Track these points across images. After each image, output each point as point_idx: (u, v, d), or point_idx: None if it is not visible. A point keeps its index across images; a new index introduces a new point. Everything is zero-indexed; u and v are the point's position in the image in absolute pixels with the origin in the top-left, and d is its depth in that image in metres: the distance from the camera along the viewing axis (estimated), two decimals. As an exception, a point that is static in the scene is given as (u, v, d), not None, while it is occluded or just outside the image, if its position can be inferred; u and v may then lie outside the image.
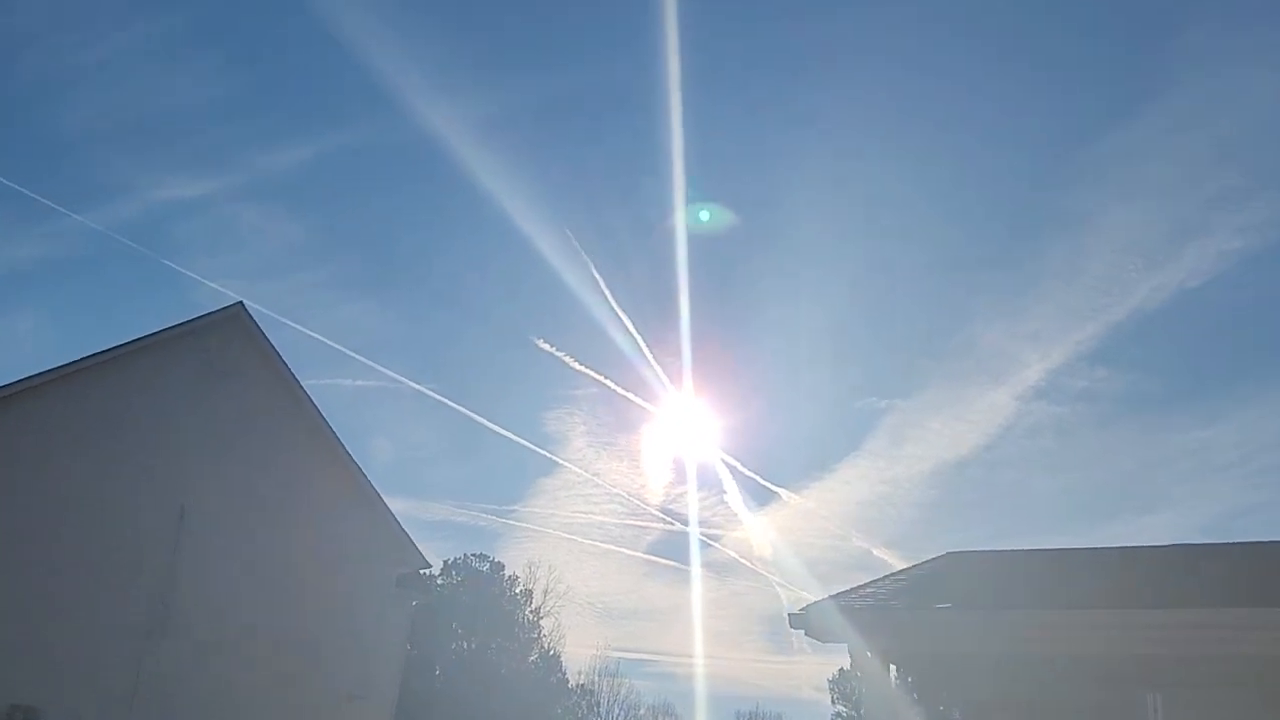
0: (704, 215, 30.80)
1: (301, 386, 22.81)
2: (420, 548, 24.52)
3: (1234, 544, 11.23)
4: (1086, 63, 31.78)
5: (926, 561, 11.64)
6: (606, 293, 33.26)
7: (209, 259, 37.60)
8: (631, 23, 33.67)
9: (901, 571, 11.15)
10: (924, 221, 35.69)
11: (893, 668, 9.46)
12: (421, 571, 26.38)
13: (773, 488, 38.99)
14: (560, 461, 43.49)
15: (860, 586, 10.33)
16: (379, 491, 23.61)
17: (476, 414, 38.37)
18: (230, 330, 22.13)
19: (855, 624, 9.26)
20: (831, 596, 9.95)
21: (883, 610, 9.33)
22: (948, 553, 11.97)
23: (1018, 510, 42.01)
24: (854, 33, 31.72)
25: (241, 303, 22.28)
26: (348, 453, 23.31)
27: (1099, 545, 13.56)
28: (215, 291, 29.69)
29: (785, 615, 9.37)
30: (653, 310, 37.94)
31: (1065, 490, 41.00)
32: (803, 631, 9.36)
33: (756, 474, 37.80)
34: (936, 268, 37.49)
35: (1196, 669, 8.42)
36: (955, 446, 42.07)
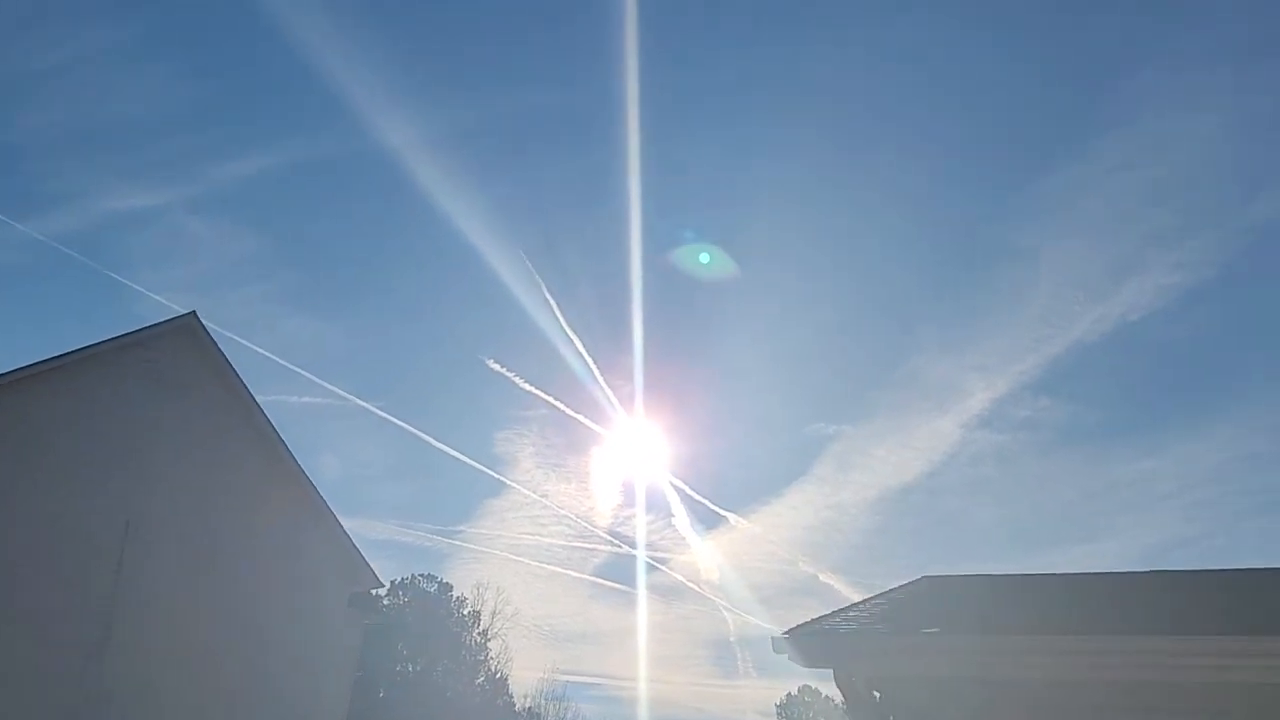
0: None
1: (255, 400, 22.25)
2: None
3: (1214, 570, 11.25)
4: (1032, 103, 33.10)
5: (903, 585, 11.51)
6: (559, 315, 33.25)
7: (155, 271, 36.94)
8: (592, 47, 33.92)
9: (879, 596, 11.01)
10: (874, 253, 36.74)
11: (876, 694, 9.29)
12: (373, 591, 25.86)
13: (721, 512, 39.02)
14: (508, 482, 43.11)
15: (841, 610, 10.17)
16: (332, 509, 23.11)
17: (424, 433, 37.89)
18: (182, 341, 21.53)
19: (840, 649, 9.09)
20: (813, 620, 9.77)
21: (868, 635, 9.18)
22: (924, 576, 11.85)
23: (962, 537, 42.57)
24: (808, 70, 32.53)
25: (194, 313, 21.69)
26: (301, 468, 22.76)
27: (1044, 571, 13.55)
28: (160, 305, 29.03)
29: (769, 639, 9.17)
30: (605, 333, 37.97)
31: (1008, 518, 41.78)
32: (785, 656, 9.17)
33: (705, 498, 37.72)
34: (886, 298, 38.34)
35: (1185, 696, 8.35)
36: (900, 473, 42.70)
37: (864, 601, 10.58)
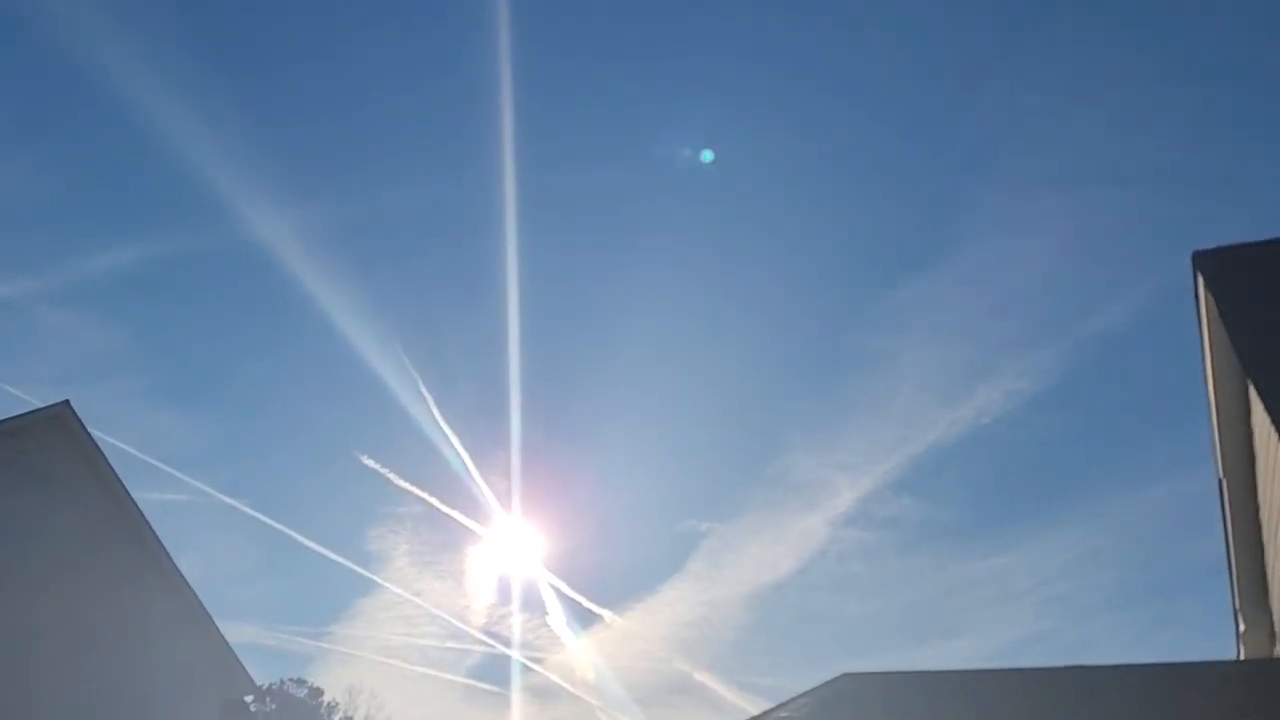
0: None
1: (130, 496, 21.10)
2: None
3: (1117, 666, 11.46)
4: (886, 219, 36.09)
5: (825, 684, 11.37)
6: (435, 410, 33.01)
7: (12, 364, 35.24)
8: (469, 145, 34.58)
9: (804, 695, 10.84)
10: (743, 355, 38.44)
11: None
12: (245, 698, 24.43)
13: (596, 609, 38.55)
14: (380, 581, 41.70)
15: (770, 712, 9.96)
16: (207, 609, 21.89)
17: (292, 529, 36.48)
18: (54, 433, 20.38)
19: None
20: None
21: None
22: (843, 674, 11.74)
23: (832, 633, 43.37)
24: (681, 181, 34.36)
25: (68, 402, 20.59)
26: (176, 568, 21.62)
27: (940, 668, 13.63)
28: (17, 398, 27.59)
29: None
30: (483, 429, 37.77)
31: (874, 614, 42.94)
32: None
33: (580, 594, 37.28)
34: (754, 398, 39.89)
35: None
36: (773, 570, 43.42)
37: (790, 701, 10.39)
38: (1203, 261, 11.00)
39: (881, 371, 37.72)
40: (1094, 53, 30.38)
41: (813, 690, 11.86)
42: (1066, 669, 11.96)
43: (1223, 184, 30.45)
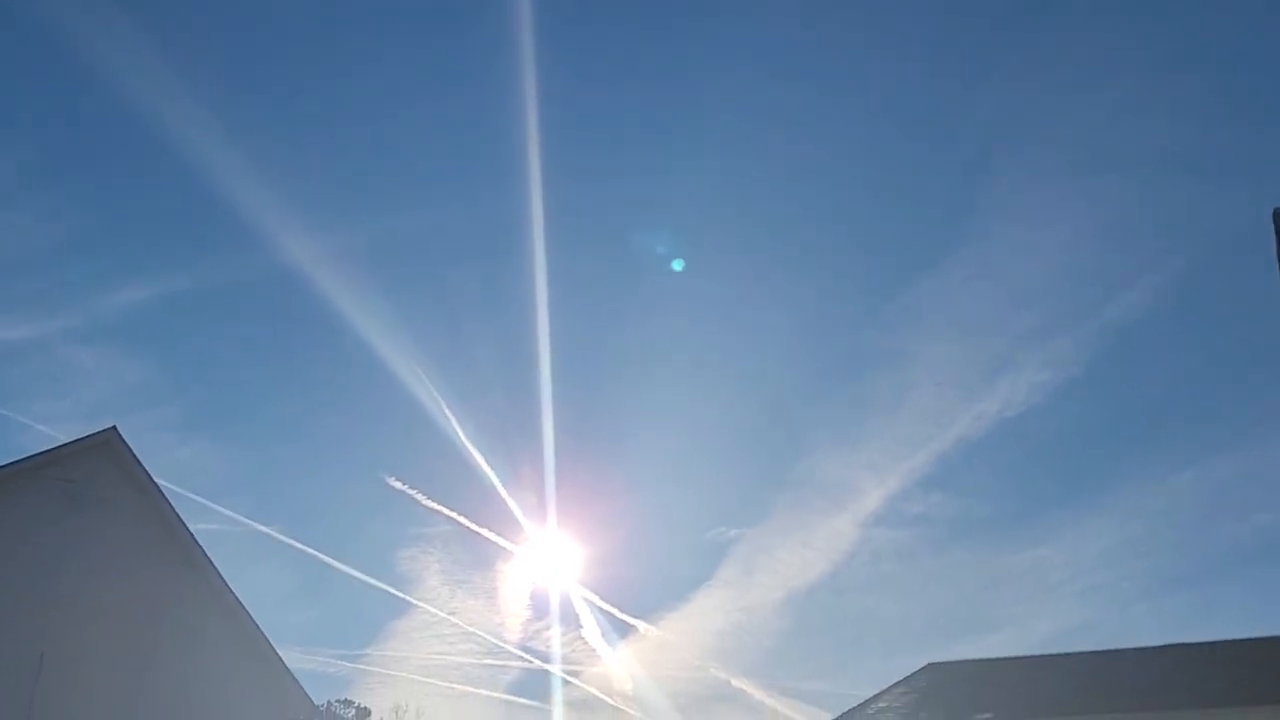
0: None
1: (180, 518, 21.08)
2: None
3: (1216, 642, 11.44)
4: (897, 218, 36.29)
5: (913, 675, 11.38)
6: (460, 429, 33.03)
7: (39, 403, 35.40)
8: (494, 161, 34.86)
9: (897, 685, 10.85)
10: (761, 361, 38.69)
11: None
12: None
13: (630, 620, 38.43)
14: (414, 601, 41.61)
15: (867, 703, 9.96)
16: (262, 629, 21.84)
17: (325, 554, 36.44)
18: (101, 457, 20.36)
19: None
20: (850, 713, 9.53)
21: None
22: (929, 664, 11.76)
23: (871, 634, 43.07)
24: (703, 194, 34.69)
25: (115, 428, 20.59)
26: (228, 586, 21.53)
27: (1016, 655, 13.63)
28: (46, 435, 27.73)
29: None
30: (511, 445, 37.78)
31: (911, 613, 42.74)
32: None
33: (614, 607, 37.19)
34: (774, 404, 39.98)
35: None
36: (805, 573, 43.25)
37: (885, 693, 10.39)
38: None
39: (900, 370, 37.78)
40: (1100, 39, 30.48)
41: (904, 680, 11.87)
42: (1142, 650, 11.95)
43: (1234, 168, 30.53)
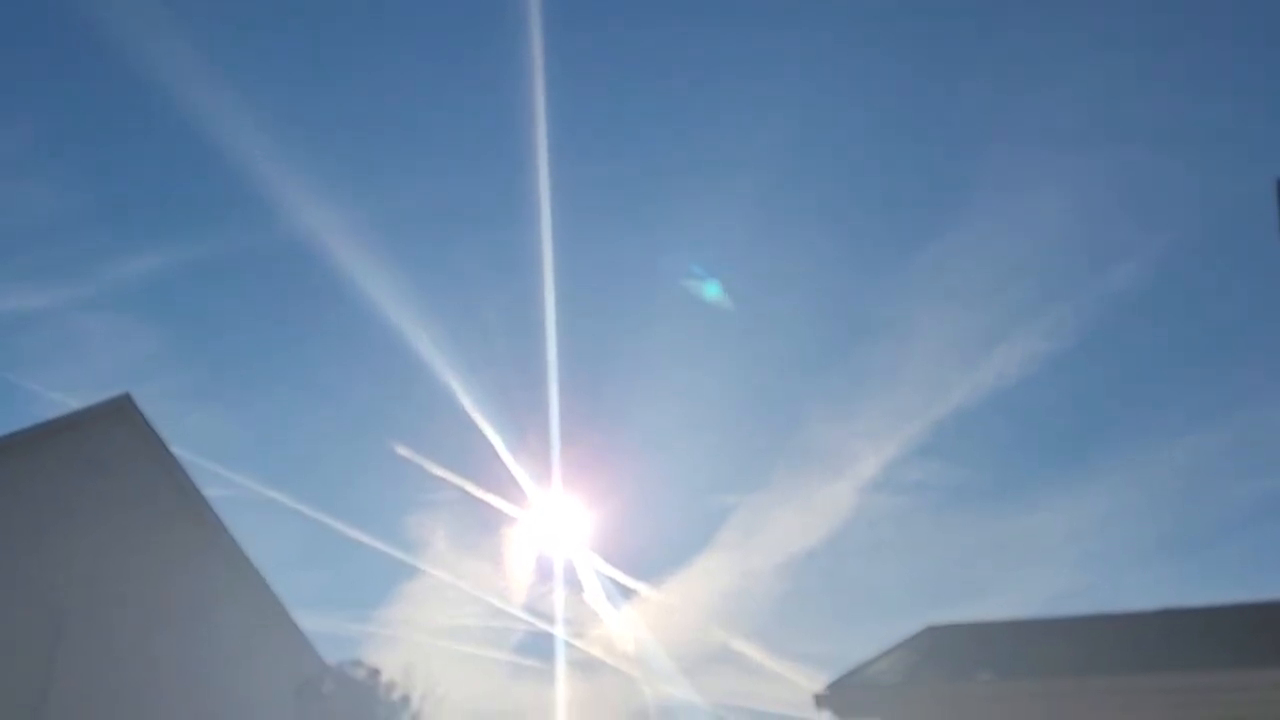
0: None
1: (194, 484, 21.39)
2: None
3: (1213, 607, 11.64)
4: (892, 189, 36.24)
5: (913, 637, 11.61)
6: (467, 398, 33.38)
7: (50, 371, 35.77)
8: (503, 134, 35.02)
9: (896, 647, 11.08)
10: (758, 332, 39.00)
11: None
12: (320, 677, 24.79)
13: (633, 584, 38.95)
14: (421, 566, 42.19)
15: (867, 664, 10.18)
16: (276, 592, 22.23)
17: (335, 520, 36.87)
18: (115, 424, 20.64)
19: (889, 699, 9.10)
20: (851, 674, 9.76)
21: (920, 683, 9.21)
22: (928, 627, 11.98)
23: (869, 598, 43.64)
24: (710, 162, 34.84)
25: (129, 394, 20.85)
26: (243, 550, 21.90)
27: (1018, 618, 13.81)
28: (57, 403, 28.09)
29: (811, 696, 9.10)
30: (517, 414, 38.13)
31: (909, 577, 43.26)
32: (829, 712, 9.12)
33: (617, 570, 37.72)
34: (772, 373, 40.35)
35: None
36: (803, 538, 43.81)
37: (884, 655, 10.62)
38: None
39: (896, 340, 38.00)
40: (1099, 8, 30.25)
41: (903, 642, 12.09)
42: (1141, 613, 12.14)
43: (1231, 140, 30.41)
